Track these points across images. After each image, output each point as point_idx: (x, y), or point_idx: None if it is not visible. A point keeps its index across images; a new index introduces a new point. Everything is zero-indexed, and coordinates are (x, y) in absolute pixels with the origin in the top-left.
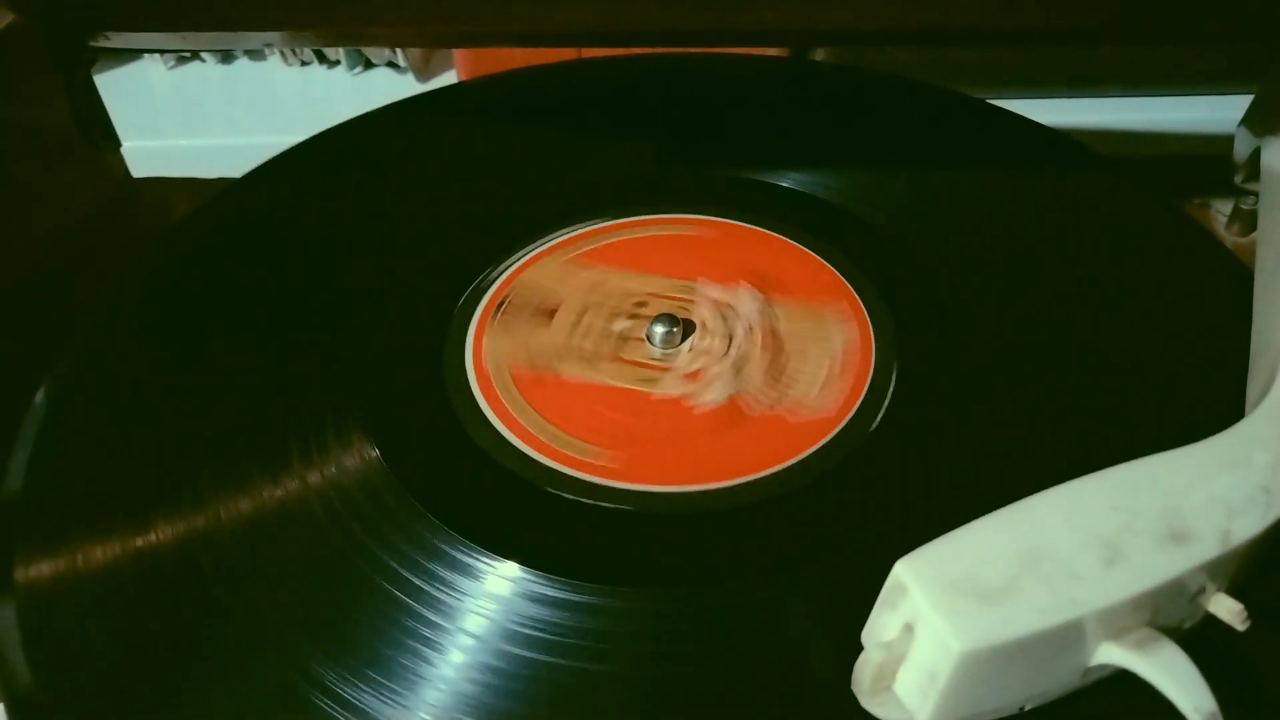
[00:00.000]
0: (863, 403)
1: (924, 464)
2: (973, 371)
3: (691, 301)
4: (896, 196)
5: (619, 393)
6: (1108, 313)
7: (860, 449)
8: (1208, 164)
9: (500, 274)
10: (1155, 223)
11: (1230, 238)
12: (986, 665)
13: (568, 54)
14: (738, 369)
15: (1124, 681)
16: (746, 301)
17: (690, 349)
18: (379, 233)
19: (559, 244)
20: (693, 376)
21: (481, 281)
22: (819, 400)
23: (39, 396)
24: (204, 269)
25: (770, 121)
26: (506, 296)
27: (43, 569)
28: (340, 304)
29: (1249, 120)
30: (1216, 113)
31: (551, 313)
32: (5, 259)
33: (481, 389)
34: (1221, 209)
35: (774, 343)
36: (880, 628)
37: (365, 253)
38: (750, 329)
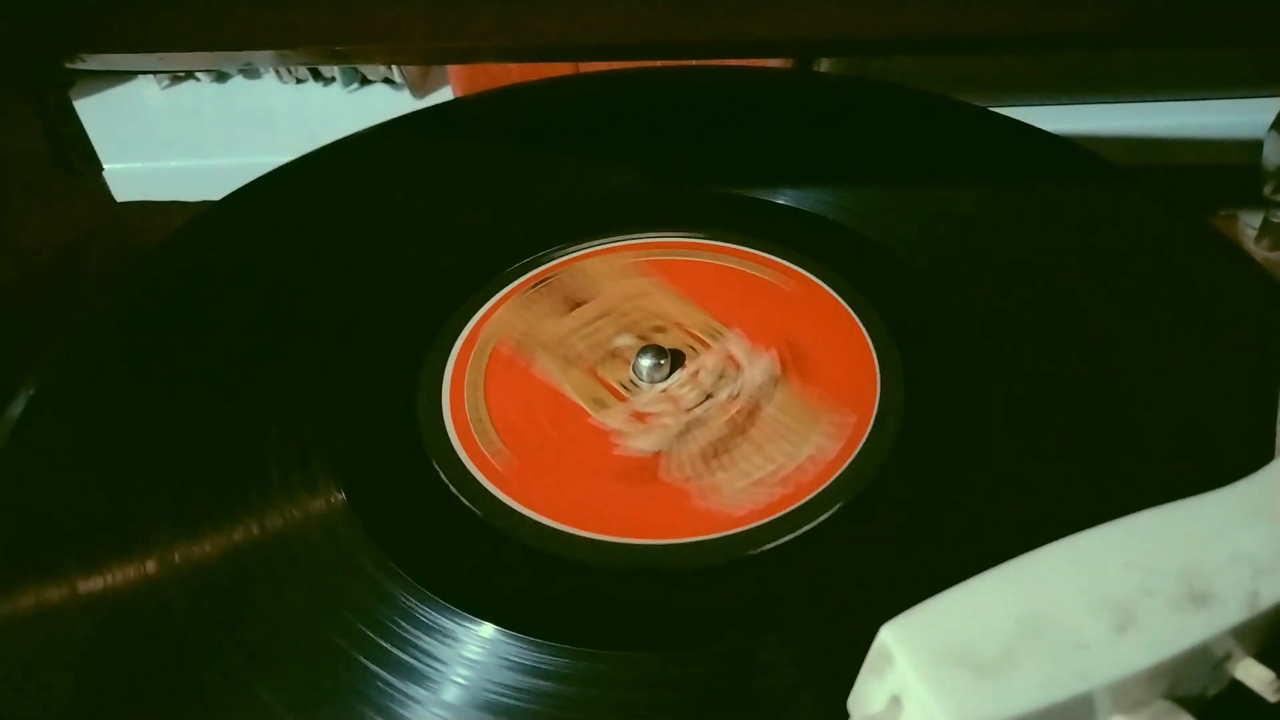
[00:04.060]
0: (794, 510)
1: (923, 515)
2: (981, 404)
3: (707, 346)
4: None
5: (565, 403)
6: (1129, 340)
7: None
8: (1233, 173)
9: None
10: (1179, 238)
11: (1260, 252)
12: None
13: (565, 69)
14: (685, 429)
15: None
16: (758, 371)
17: (661, 390)
18: (369, 250)
19: (635, 245)
20: (639, 418)
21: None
22: (738, 496)
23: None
24: (181, 296)
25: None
26: (552, 276)
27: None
28: (327, 321)
29: (1277, 126)
30: (1242, 117)
31: (577, 305)
32: None
33: (456, 368)
34: (1250, 222)
35: (744, 422)
36: (866, 698)
37: (354, 271)
38: (735, 398)
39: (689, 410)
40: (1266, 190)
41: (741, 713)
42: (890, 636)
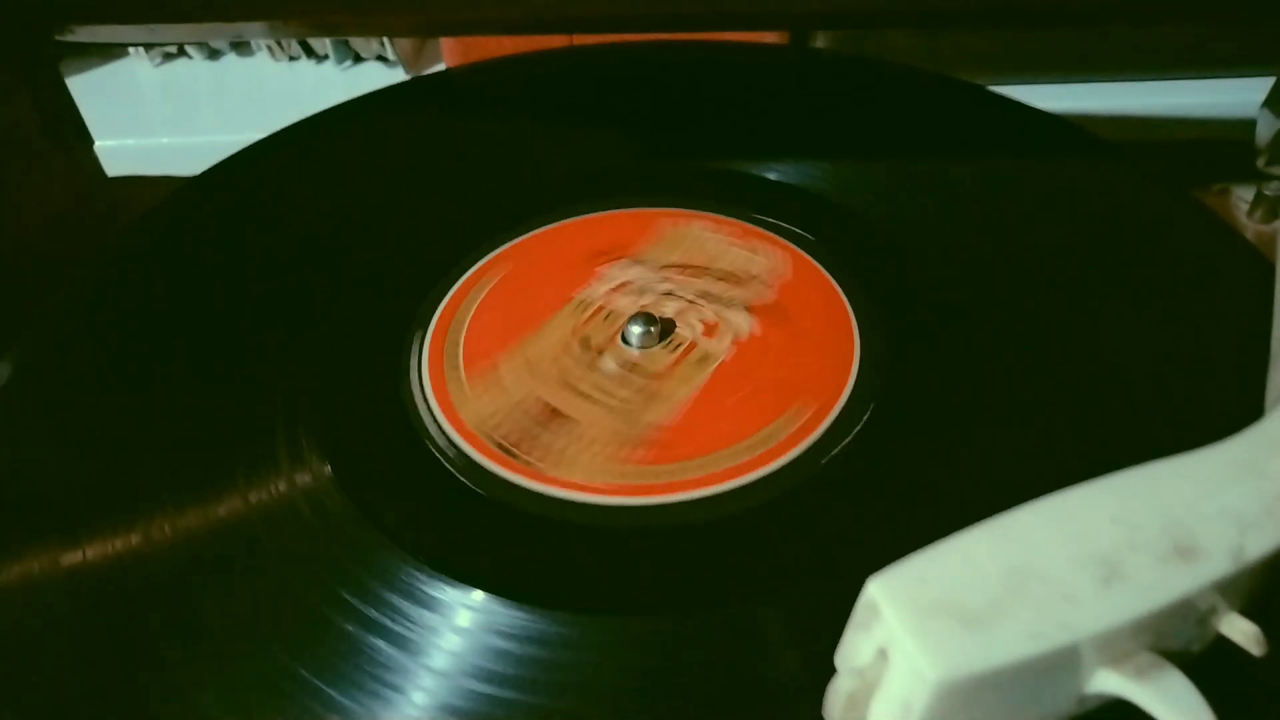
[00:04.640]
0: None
1: (907, 475)
2: (967, 371)
3: (602, 307)
4: (886, 184)
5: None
6: (1117, 310)
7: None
8: (1228, 149)
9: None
10: (1167, 211)
11: (1253, 225)
12: (967, 696)
13: (559, 41)
14: (716, 299)
15: (1124, 707)
16: (624, 272)
17: (677, 321)
18: (354, 220)
19: (434, 357)
20: (711, 331)
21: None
22: (768, 264)
23: None
24: (159, 271)
25: (759, 109)
26: (503, 444)
27: None
28: (304, 296)
29: (1271, 102)
30: (1237, 96)
31: (554, 413)
32: None
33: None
34: (1243, 195)
35: (692, 270)
36: (853, 651)
37: (340, 241)
38: (664, 279)
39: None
40: (1259, 164)
41: (729, 675)
42: (877, 589)
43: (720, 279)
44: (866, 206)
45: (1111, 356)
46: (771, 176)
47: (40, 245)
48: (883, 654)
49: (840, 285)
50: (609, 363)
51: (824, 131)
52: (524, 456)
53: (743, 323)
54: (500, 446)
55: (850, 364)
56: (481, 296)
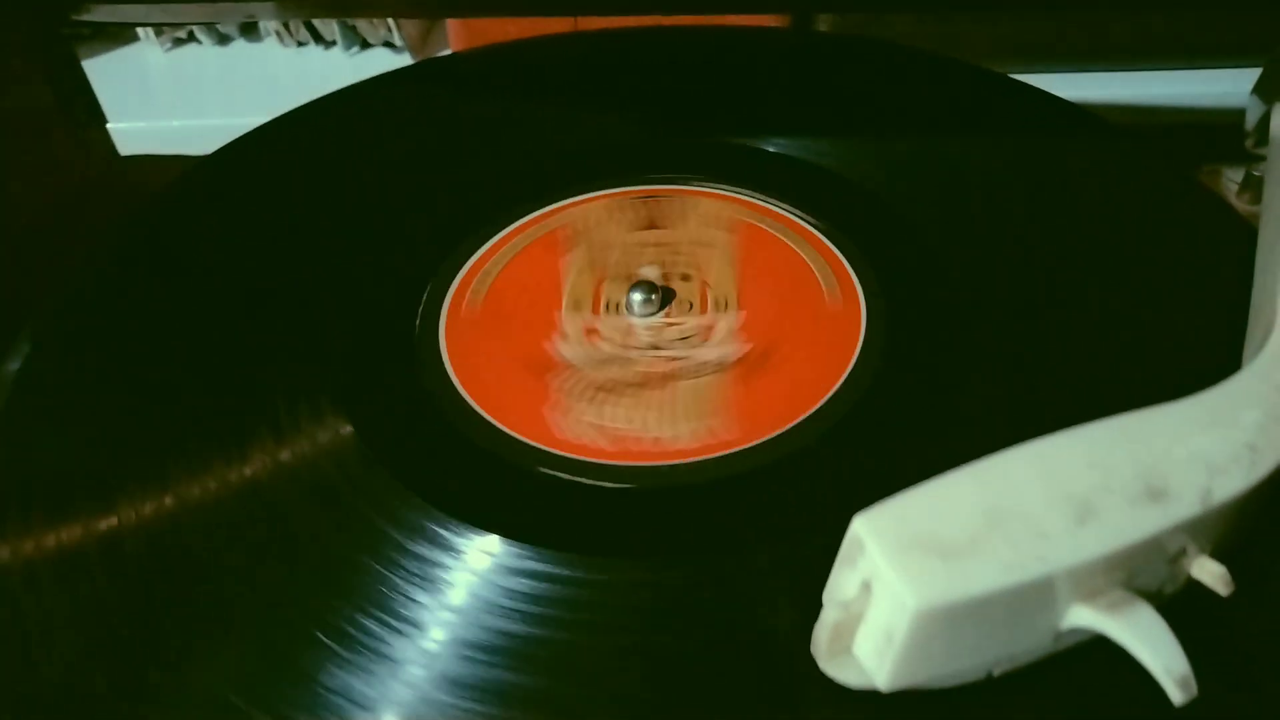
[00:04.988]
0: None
1: (906, 430)
2: (963, 330)
3: (704, 310)
4: (902, 166)
5: (551, 289)
6: (1108, 274)
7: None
8: (1220, 132)
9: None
10: (1161, 184)
11: (1241, 205)
12: (945, 625)
13: (564, 26)
14: (607, 360)
15: (1101, 648)
16: (715, 352)
17: (630, 321)
18: (367, 196)
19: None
20: (589, 332)
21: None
22: (575, 427)
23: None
24: (175, 244)
25: (769, 92)
26: (661, 196)
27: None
28: (314, 273)
29: (1259, 88)
30: (1233, 86)
31: (652, 227)
32: None
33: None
34: (1233, 176)
35: (654, 381)
36: (839, 586)
37: (355, 214)
38: (673, 360)
39: (630, 347)
40: (1248, 144)
41: (722, 617)
42: (862, 526)
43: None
44: (856, 174)
45: (1104, 317)
46: (770, 149)
47: (55, 220)
48: (866, 587)
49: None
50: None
51: (825, 109)
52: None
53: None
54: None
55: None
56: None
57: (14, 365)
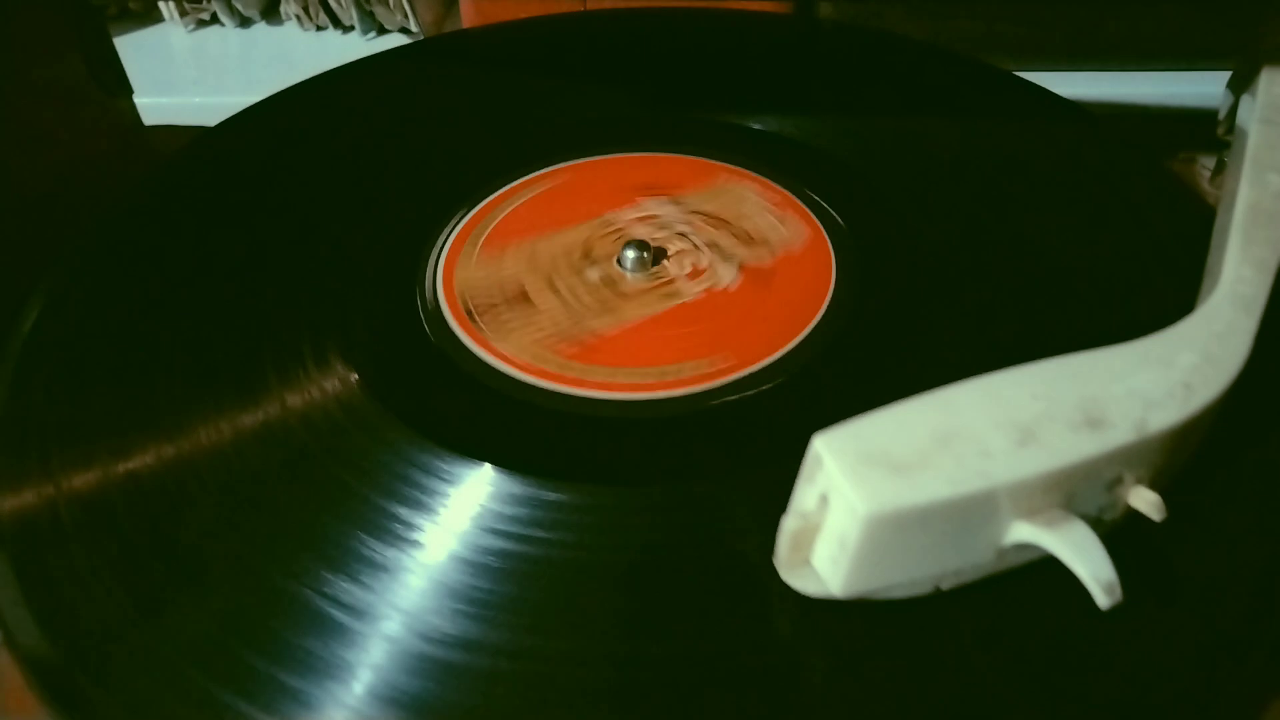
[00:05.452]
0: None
1: (870, 374)
2: (931, 286)
3: (620, 230)
4: (878, 140)
5: (663, 316)
6: (1076, 253)
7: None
8: (1199, 125)
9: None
10: (1122, 162)
11: (1213, 191)
12: (894, 532)
13: (573, 6)
14: (718, 249)
15: (1041, 571)
16: (657, 207)
17: (671, 258)
18: (375, 160)
19: (462, 234)
20: (696, 274)
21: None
22: (786, 235)
23: (21, 323)
24: (194, 199)
25: (761, 73)
26: (469, 307)
27: (25, 498)
28: (318, 235)
29: (1231, 82)
30: (1215, 87)
31: (524, 296)
32: (15, 190)
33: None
34: (1206, 164)
35: (715, 220)
36: (800, 501)
37: (343, 188)
38: (686, 221)
39: (697, 248)
40: (1219, 132)
41: (695, 538)
42: (821, 443)
43: (735, 235)
44: (842, 151)
45: (1070, 290)
46: (755, 126)
47: (82, 181)
48: (824, 500)
49: (836, 274)
50: (592, 273)
51: (818, 92)
52: (479, 321)
53: (727, 276)
54: (467, 310)
55: (790, 341)
56: (529, 196)
57: (31, 317)
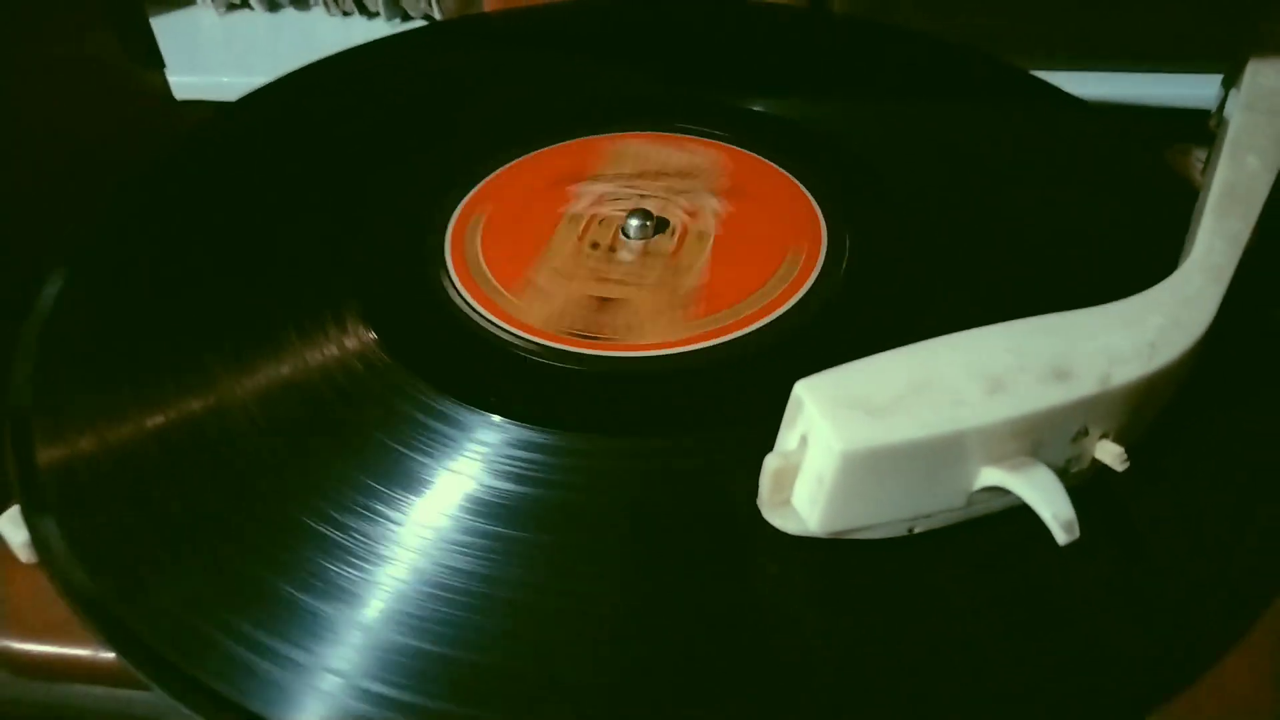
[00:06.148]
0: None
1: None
2: (919, 255)
3: (593, 217)
4: (880, 125)
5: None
6: (1060, 216)
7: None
8: (1192, 119)
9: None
10: (1119, 153)
11: (1204, 181)
12: (868, 470)
13: None
14: (681, 190)
15: (1009, 519)
16: (594, 188)
17: (664, 213)
18: (389, 137)
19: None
20: (694, 213)
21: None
22: (702, 160)
23: (49, 286)
24: (221, 167)
25: (767, 60)
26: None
27: (61, 450)
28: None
29: (1225, 80)
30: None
31: (607, 303)
32: (50, 155)
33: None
34: (1200, 156)
35: (646, 174)
36: (782, 442)
37: (374, 153)
38: (629, 185)
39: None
40: (1211, 124)
41: (688, 484)
42: (802, 388)
43: (677, 176)
44: (839, 133)
45: (1059, 267)
46: (757, 109)
47: (116, 149)
48: (804, 440)
49: (774, 161)
50: (624, 254)
51: (821, 78)
52: (599, 335)
53: (714, 203)
54: (573, 333)
55: (816, 212)
56: (479, 232)
57: (60, 278)
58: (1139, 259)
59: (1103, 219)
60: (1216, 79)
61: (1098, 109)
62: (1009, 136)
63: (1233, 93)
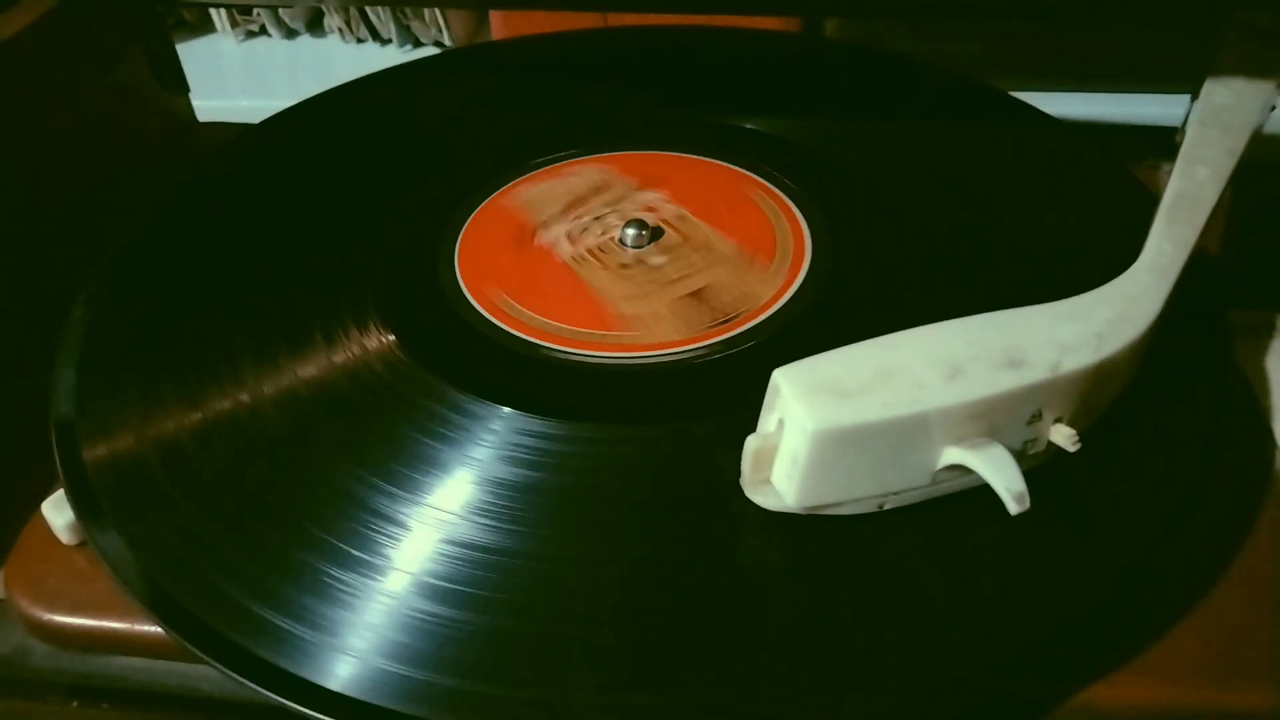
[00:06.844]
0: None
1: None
2: (897, 261)
3: (577, 240)
4: (860, 142)
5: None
6: (1030, 224)
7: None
8: (1163, 133)
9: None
10: (1089, 166)
11: None
12: (839, 448)
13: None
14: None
15: (970, 498)
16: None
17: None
18: (404, 155)
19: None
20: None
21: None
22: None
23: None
24: (248, 185)
25: (762, 84)
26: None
27: (112, 443)
28: (354, 218)
29: (1192, 99)
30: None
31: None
32: (83, 176)
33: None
34: (1169, 170)
35: (589, 192)
36: (761, 426)
37: (372, 179)
38: (582, 203)
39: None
40: (1177, 139)
41: (680, 468)
42: (779, 375)
43: (595, 193)
44: (833, 153)
45: (1027, 272)
46: (748, 127)
47: (144, 168)
48: (781, 423)
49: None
50: (654, 259)
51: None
52: (733, 315)
53: (652, 196)
54: (715, 325)
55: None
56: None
57: (93, 291)
58: (1105, 264)
59: (1072, 228)
60: (1186, 99)
61: (1072, 127)
62: (987, 152)
63: (1196, 103)
